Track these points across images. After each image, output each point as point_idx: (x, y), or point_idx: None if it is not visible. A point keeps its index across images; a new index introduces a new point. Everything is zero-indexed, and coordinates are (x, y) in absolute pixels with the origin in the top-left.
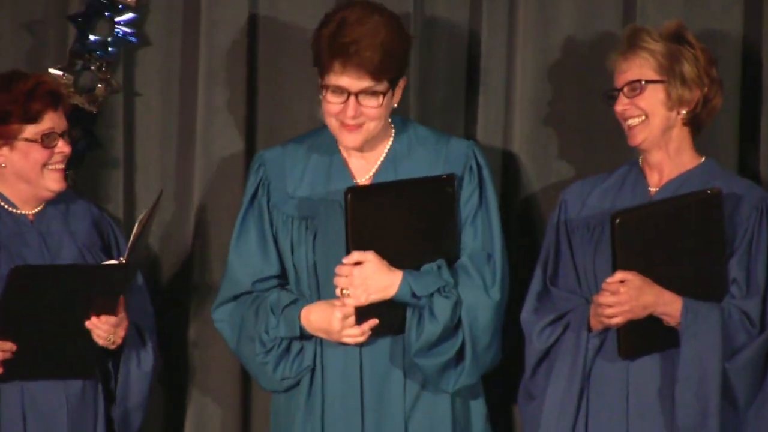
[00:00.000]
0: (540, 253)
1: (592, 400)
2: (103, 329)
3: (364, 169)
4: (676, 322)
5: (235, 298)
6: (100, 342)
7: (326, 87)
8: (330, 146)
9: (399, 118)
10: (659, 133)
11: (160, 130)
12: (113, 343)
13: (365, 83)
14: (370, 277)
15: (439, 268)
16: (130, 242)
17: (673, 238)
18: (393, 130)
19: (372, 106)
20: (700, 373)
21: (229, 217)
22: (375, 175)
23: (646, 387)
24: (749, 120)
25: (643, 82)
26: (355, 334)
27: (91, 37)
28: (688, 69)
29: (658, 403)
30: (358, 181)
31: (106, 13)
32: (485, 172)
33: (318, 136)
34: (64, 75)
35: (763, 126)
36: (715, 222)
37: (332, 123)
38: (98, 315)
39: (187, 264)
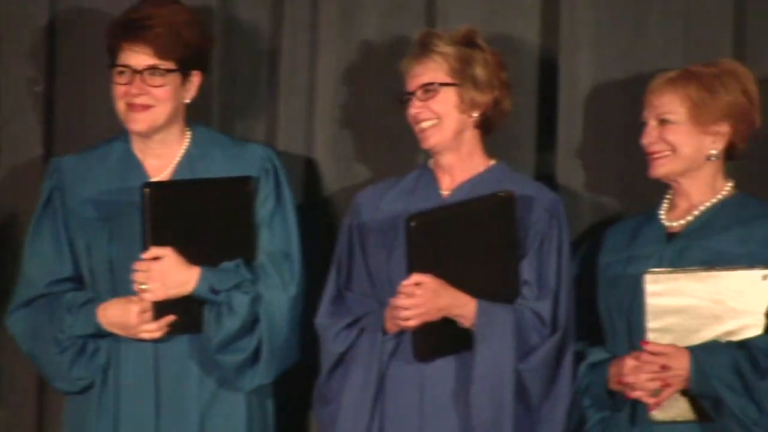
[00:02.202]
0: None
1: (388, 402)
2: None
3: (159, 169)
4: (470, 323)
5: (30, 302)
6: None
7: (114, 68)
8: (125, 149)
9: (195, 123)
10: (452, 135)
11: None
12: None
13: (150, 60)
14: (168, 272)
15: (237, 266)
16: None
17: (468, 240)
18: (189, 133)
19: (157, 84)
20: (494, 374)
21: (28, 223)
22: (171, 175)
23: (441, 388)
24: (546, 124)
25: (436, 85)
26: (152, 329)
27: None
28: (479, 72)
29: (452, 405)
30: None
31: None
32: (281, 175)
33: (113, 143)
34: None
35: (560, 130)
36: (508, 224)
37: (121, 107)
38: None
39: None
